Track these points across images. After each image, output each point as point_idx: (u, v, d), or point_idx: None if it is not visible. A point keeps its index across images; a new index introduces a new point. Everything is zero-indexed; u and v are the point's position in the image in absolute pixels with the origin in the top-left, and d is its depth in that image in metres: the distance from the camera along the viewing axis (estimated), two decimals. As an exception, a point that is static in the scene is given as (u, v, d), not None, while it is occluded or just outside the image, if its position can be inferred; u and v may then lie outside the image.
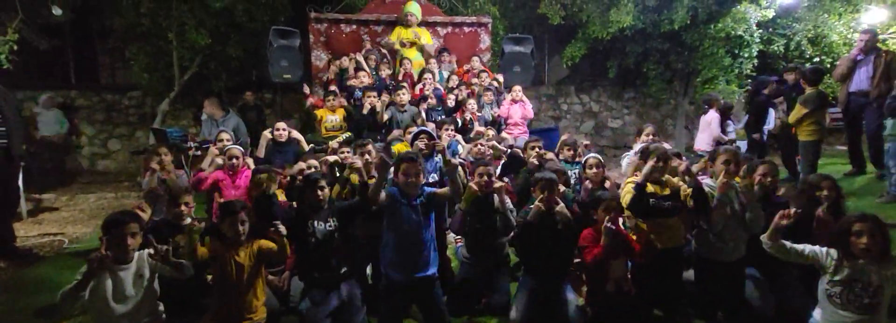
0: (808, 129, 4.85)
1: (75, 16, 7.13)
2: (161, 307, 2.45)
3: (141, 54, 6.89)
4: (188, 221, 2.79)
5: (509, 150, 3.85)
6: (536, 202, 2.80)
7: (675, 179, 2.84)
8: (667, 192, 2.78)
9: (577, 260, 2.97)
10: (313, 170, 3.21)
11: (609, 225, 2.59)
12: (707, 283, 2.85)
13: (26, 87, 7.71)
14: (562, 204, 2.80)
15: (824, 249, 2.21)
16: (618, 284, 2.74)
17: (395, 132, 4.76)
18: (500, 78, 6.25)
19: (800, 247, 2.24)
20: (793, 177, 5.51)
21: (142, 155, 5.96)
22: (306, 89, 5.66)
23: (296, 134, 4.41)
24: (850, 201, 4.53)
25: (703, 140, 5.74)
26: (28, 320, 2.91)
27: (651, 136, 3.90)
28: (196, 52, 6.93)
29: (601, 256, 2.64)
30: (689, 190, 2.74)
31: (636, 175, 2.84)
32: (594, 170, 3.44)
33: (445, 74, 6.29)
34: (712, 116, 5.68)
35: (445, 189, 2.68)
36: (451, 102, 5.51)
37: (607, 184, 3.51)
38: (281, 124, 4.42)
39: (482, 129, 4.91)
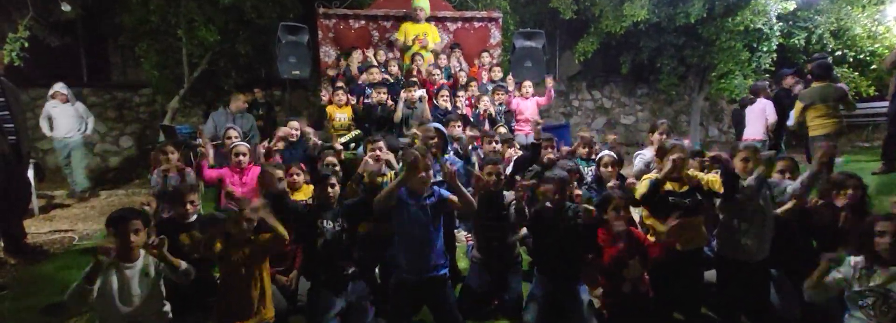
0: (812, 124, 4.69)
1: (87, 13, 7.16)
2: (167, 307, 2.41)
3: (151, 51, 6.89)
4: (193, 219, 2.75)
5: (533, 142, 3.67)
6: (546, 204, 2.70)
7: (693, 173, 2.73)
8: (685, 188, 2.68)
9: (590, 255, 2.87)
10: (330, 166, 3.16)
11: (623, 228, 2.49)
12: (729, 284, 2.73)
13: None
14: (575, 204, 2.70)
15: (850, 260, 2.11)
16: (634, 285, 2.64)
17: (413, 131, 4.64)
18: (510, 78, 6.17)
19: (830, 278, 2.14)
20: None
21: (151, 152, 5.97)
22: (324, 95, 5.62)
23: (306, 128, 4.38)
24: (876, 201, 4.36)
25: (757, 130, 5.56)
26: (36, 317, 2.90)
27: (665, 134, 3.79)
28: (205, 49, 6.92)
29: (616, 258, 2.54)
30: (714, 178, 2.61)
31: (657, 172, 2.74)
32: (609, 168, 3.34)
33: (456, 70, 6.20)
34: (765, 104, 5.54)
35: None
36: (462, 99, 5.42)
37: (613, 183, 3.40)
38: (294, 124, 4.39)
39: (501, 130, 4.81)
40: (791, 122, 5.60)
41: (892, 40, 7.40)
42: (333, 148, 4.06)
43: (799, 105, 4.76)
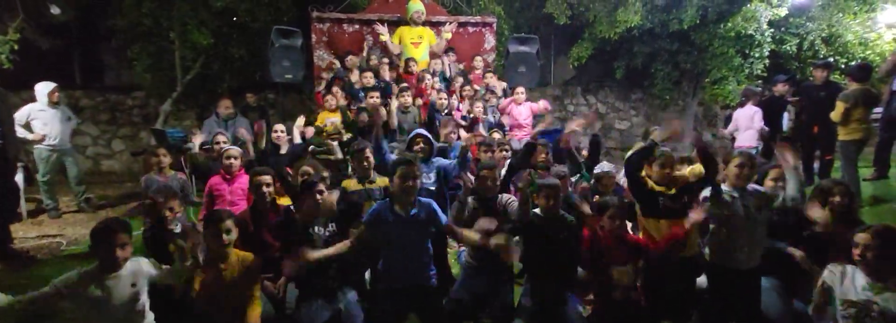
0: (847, 127, 4.58)
1: (81, 15, 7.11)
2: (150, 317, 2.37)
3: (143, 54, 6.85)
4: (177, 227, 2.71)
5: (528, 141, 3.62)
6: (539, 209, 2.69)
7: (680, 175, 2.76)
8: (673, 191, 2.70)
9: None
10: (307, 176, 3.13)
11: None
12: (720, 292, 2.73)
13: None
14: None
15: (839, 269, 2.12)
16: (626, 292, 2.63)
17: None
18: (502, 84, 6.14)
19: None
20: (808, 182, 5.33)
21: (141, 156, 5.91)
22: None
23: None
24: (866, 208, 4.38)
25: (750, 137, 5.42)
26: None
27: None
28: (198, 53, 6.88)
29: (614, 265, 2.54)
30: (696, 168, 2.64)
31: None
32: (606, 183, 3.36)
33: (453, 74, 6.19)
34: (754, 111, 5.43)
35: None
36: (455, 103, 5.41)
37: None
38: (279, 127, 4.38)
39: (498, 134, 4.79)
40: (835, 117, 5.20)
41: (883, 47, 7.47)
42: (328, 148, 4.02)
43: (843, 105, 4.53)
